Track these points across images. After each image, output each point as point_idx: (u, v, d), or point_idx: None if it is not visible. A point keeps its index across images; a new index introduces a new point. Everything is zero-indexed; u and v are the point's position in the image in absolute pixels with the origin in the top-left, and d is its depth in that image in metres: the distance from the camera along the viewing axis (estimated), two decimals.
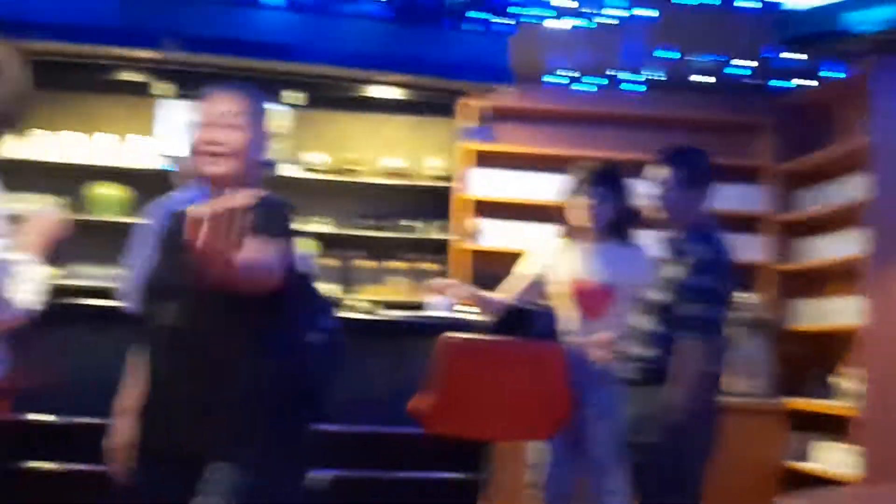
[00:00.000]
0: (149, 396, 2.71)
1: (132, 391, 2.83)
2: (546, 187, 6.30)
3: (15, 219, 2.57)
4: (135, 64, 6.32)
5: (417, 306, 5.78)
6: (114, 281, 4.16)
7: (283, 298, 2.61)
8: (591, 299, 4.30)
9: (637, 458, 3.88)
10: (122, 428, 2.87)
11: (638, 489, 3.92)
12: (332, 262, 6.84)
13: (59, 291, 5.89)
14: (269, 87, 6.71)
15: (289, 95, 6.59)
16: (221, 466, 2.59)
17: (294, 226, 2.70)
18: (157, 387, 2.69)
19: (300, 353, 2.77)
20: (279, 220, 2.64)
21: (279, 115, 6.64)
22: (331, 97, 6.80)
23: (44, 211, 2.69)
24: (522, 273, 4.46)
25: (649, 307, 3.95)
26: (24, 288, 2.44)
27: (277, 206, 2.69)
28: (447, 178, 7.02)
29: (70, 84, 6.60)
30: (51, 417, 3.93)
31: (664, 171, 4.02)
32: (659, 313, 3.91)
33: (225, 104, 2.76)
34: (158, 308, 2.68)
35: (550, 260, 4.44)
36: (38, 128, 6.63)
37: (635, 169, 4.36)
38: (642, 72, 6.66)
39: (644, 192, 4.05)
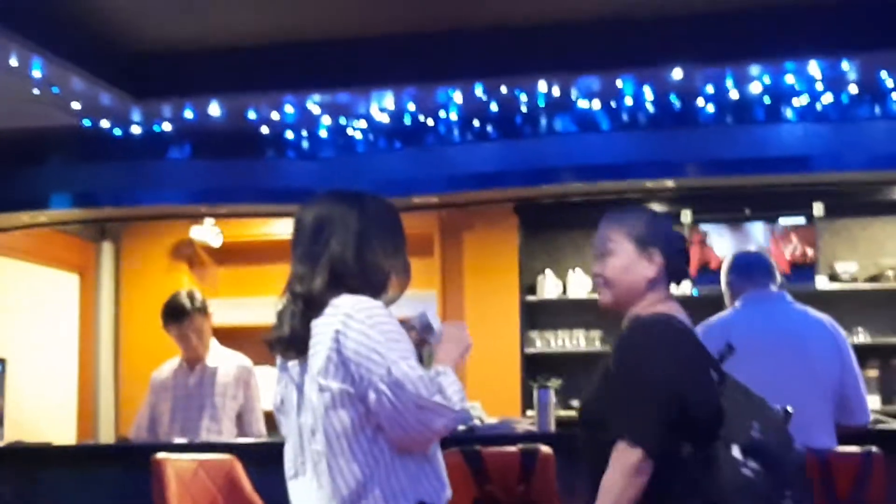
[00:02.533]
0: None
1: None
2: None
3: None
4: (656, 194, 6.54)
5: None
6: None
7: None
8: None
9: None
10: None
11: None
12: (870, 373, 6.56)
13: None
14: (789, 201, 6.69)
15: (810, 207, 6.54)
16: None
17: (678, 348, 2.54)
18: None
19: None
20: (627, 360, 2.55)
21: (798, 227, 6.62)
22: (855, 203, 6.65)
23: (456, 326, 2.69)
24: None
25: None
26: (450, 394, 2.43)
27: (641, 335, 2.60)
28: None
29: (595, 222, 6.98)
30: None
31: None
32: None
33: (600, 233, 2.75)
34: None
35: None
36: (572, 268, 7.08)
37: None
38: None
39: None
